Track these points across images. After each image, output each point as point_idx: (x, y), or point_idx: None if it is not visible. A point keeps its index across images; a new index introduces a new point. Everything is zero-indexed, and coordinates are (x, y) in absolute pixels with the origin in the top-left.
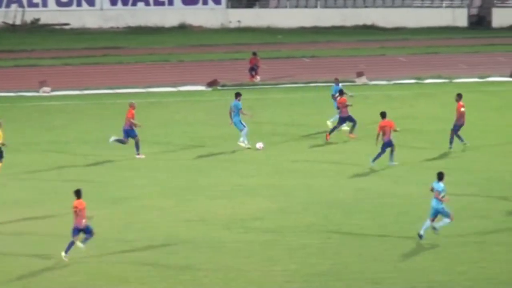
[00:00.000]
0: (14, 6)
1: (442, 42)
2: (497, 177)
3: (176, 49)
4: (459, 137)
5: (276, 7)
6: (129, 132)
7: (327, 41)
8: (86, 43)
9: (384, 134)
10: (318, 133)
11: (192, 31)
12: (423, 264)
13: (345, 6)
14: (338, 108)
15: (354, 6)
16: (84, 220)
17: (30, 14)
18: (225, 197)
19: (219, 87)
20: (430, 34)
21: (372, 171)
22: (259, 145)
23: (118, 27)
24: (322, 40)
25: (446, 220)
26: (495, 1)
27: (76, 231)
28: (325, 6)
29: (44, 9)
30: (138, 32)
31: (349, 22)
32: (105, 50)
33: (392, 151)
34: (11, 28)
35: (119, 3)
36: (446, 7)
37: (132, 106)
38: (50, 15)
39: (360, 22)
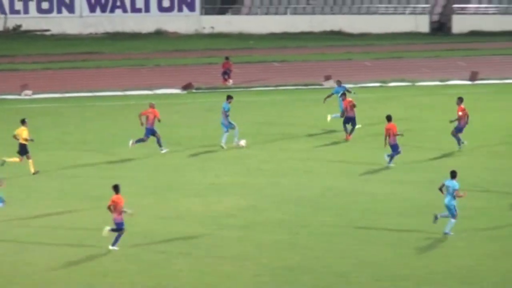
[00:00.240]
0: None
1: (405, 47)
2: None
3: (153, 54)
4: (456, 137)
5: (248, 14)
6: (151, 131)
7: (296, 47)
8: (66, 49)
9: (389, 136)
10: (287, 133)
11: (168, 37)
12: (386, 258)
13: (313, 13)
14: (346, 109)
15: (322, 13)
16: (120, 214)
17: (12, 21)
18: (200, 195)
19: (193, 90)
20: (394, 39)
21: (339, 170)
22: (242, 142)
23: (97, 33)
24: (292, 46)
25: (452, 221)
26: (455, 9)
27: (117, 225)
28: (294, 13)
29: (25, 16)
30: (116, 38)
31: (317, 28)
32: (85, 55)
33: (393, 155)
34: None
35: (98, 10)
36: (409, 14)
37: (152, 106)
38: (32, 21)
39: (328, 28)
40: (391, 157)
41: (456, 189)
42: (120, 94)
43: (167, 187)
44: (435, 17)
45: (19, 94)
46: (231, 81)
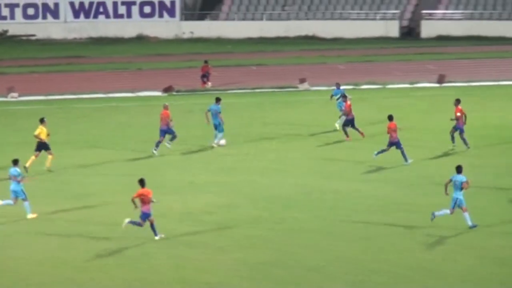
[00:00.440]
0: None
1: (377, 51)
2: (422, 175)
3: (134, 58)
4: (452, 138)
5: (226, 19)
6: (167, 131)
7: (272, 51)
8: (51, 53)
9: (391, 134)
10: (263, 134)
11: (149, 41)
12: (358, 253)
13: (288, 18)
14: (344, 112)
15: (297, 18)
16: (149, 206)
17: None
18: (178, 193)
19: (174, 93)
20: (366, 44)
21: (312, 168)
22: (223, 141)
23: (81, 38)
24: (268, 50)
25: (466, 214)
26: (424, 14)
27: (145, 216)
28: (270, 18)
29: (12, 21)
30: (99, 43)
31: (292, 33)
32: (69, 59)
33: (384, 151)
34: None
35: (82, 16)
36: (380, 19)
37: (165, 107)
38: (18, 27)
39: (302, 33)
40: (403, 154)
41: (464, 181)
42: (103, 96)
43: (148, 186)
44: (405, 23)
45: (6, 97)
46: (209, 84)
